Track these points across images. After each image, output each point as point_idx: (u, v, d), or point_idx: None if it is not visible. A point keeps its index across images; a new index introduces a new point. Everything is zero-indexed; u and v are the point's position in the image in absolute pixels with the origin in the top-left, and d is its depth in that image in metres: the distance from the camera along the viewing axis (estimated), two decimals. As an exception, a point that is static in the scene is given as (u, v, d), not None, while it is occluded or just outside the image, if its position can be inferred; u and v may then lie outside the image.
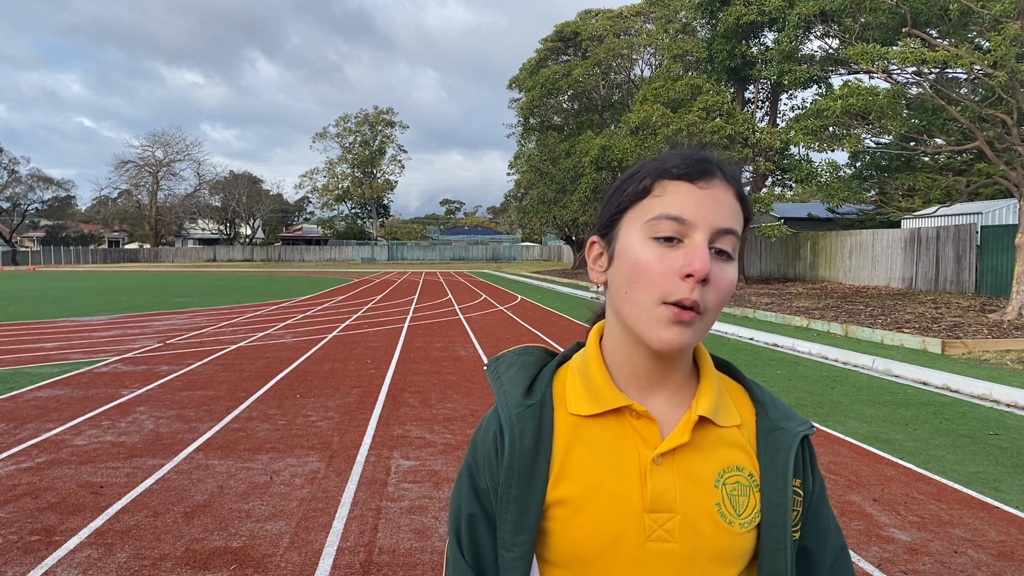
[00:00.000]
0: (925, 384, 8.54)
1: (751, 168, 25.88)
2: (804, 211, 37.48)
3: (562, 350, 1.06)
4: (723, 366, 1.02)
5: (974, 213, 22.12)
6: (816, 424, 6.57)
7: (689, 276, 0.83)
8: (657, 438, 0.91)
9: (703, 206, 0.86)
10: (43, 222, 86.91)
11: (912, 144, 16.37)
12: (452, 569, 0.98)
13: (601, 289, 0.98)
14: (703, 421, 0.92)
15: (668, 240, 0.86)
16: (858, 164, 18.73)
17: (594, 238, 0.97)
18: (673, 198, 0.87)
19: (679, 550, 0.88)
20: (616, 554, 0.88)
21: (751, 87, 27.99)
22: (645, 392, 0.94)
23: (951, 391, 8.13)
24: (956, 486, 4.92)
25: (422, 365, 9.96)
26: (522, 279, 38.14)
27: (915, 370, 9.01)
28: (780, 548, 0.91)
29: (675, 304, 0.84)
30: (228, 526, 4.21)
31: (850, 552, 3.81)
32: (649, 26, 35.91)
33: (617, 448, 0.91)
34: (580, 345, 1.04)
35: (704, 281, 0.84)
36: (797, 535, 0.95)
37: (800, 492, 0.95)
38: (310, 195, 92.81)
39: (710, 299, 0.85)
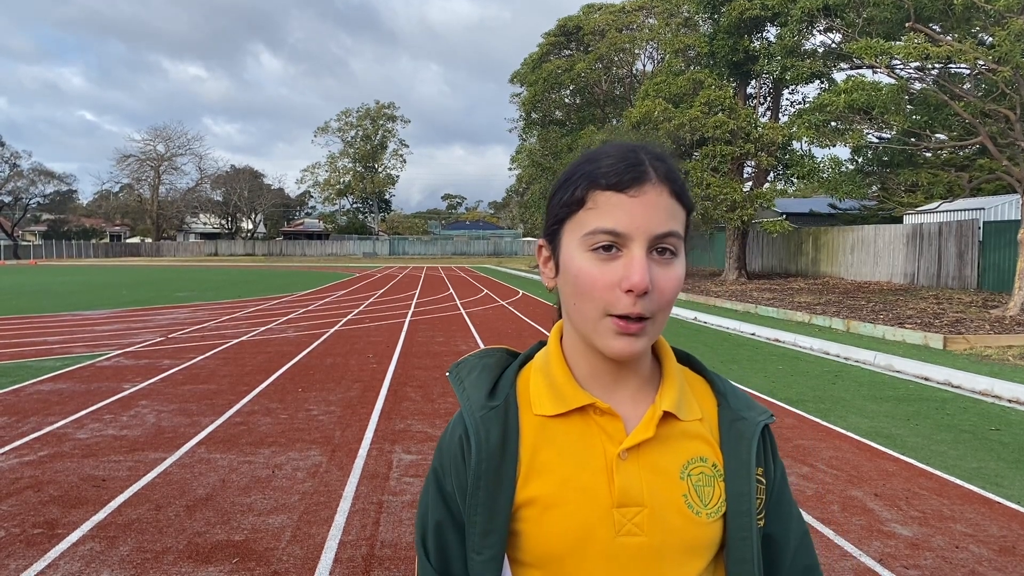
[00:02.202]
0: (927, 380, 8.54)
1: (753, 163, 25.84)
2: (806, 207, 37.44)
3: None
4: (684, 358, 1.03)
5: (976, 209, 22.08)
6: (817, 419, 6.57)
7: (629, 291, 0.84)
8: (622, 434, 0.92)
9: (636, 216, 0.85)
10: (45, 216, 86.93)
11: (914, 140, 16.33)
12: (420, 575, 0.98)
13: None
14: (667, 416, 0.93)
15: (608, 249, 0.86)
16: (860, 159, 18.67)
17: (541, 242, 0.98)
18: (605, 211, 0.86)
19: (649, 543, 0.89)
20: (587, 550, 0.89)
21: (753, 82, 27.90)
22: (608, 389, 0.94)
23: (953, 387, 8.13)
24: (958, 481, 4.92)
25: (424, 360, 9.97)
26: (523, 274, 38.15)
27: (917, 365, 9.01)
28: (746, 536, 0.92)
29: (620, 317, 0.85)
30: (230, 520, 4.22)
31: (846, 546, 3.83)
32: (651, 21, 35.79)
33: (583, 446, 0.92)
34: (542, 344, 1.03)
35: (646, 292, 0.84)
36: (762, 523, 0.96)
37: (763, 480, 0.96)
38: (311, 189, 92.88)
39: (655, 305, 0.86)
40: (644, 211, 0.86)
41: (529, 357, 1.02)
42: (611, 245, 0.86)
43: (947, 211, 22.01)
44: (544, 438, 0.93)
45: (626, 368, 0.94)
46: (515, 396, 0.96)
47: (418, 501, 1.02)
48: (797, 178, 23.58)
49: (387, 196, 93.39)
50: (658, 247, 0.87)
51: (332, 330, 13.34)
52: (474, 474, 0.91)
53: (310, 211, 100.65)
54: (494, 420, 0.93)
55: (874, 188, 19.89)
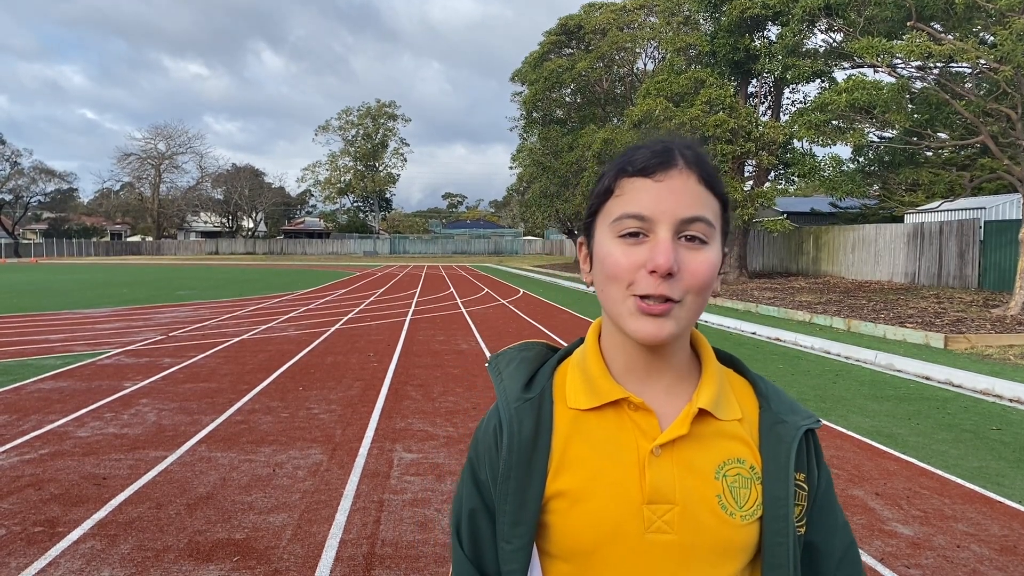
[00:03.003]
0: (928, 379, 8.53)
1: (754, 162, 25.81)
2: (807, 206, 37.43)
3: (564, 344, 1.07)
4: (727, 360, 1.02)
5: (977, 208, 22.06)
6: (819, 418, 6.56)
7: (653, 272, 0.85)
8: (656, 430, 0.91)
9: (662, 200, 0.86)
10: (45, 215, 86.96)
11: (916, 139, 16.31)
12: (454, 563, 1.00)
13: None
14: (703, 414, 0.92)
15: (634, 235, 0.87)
16: (861, 159, 18.66)
17: (580, 239, 1.00)
18: (631, 196, 0.88)
19: (679, 541, 0.88)
20: (616, 545, 0.89)
21: (754, 81, 27.86)
22: (643, 384, 0.94)
23: (954, 386, 8.12)
24: (959, 481, 4.92)
25: (424, 358, 9.97)
26: (524, 273, 38.14)
27: (918, 365, 9.00)
28: (782, 542, 0.90)
29: (642, 297, 0.86)
30: (231, 518, 4.22)
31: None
32: (652, 19, 35.76)
33: (616, 440, 0.92)
34: (582, 341, 1.05)
35: (670, 274, 0.84)
36: (802, 530, 0.94)
37: (804, 486, 0.94)
38: (312, 188, 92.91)
39: (682, 288, 0.86)
40: (669, 195, 0.87)
41: (568, 352, 1.03)
42: (638, 231, 0.87)
43: (948, 210, 21.99)
44: (577, 431, 0.94)
45: (661, 360, 0.93)
46: (551, 389, 0.97)
47: (455, 490, 1.03)
48: (798, 177, 23.56)
49: (388, 195, 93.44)
50: (686, 233, 0.87)
51: (333, 329, 13.34)
52: (505, 464, 0.93)
53: (311, 210, 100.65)
54: (528, 412, 0.94)
55: (875, 187, 19.85)
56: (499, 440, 0.95)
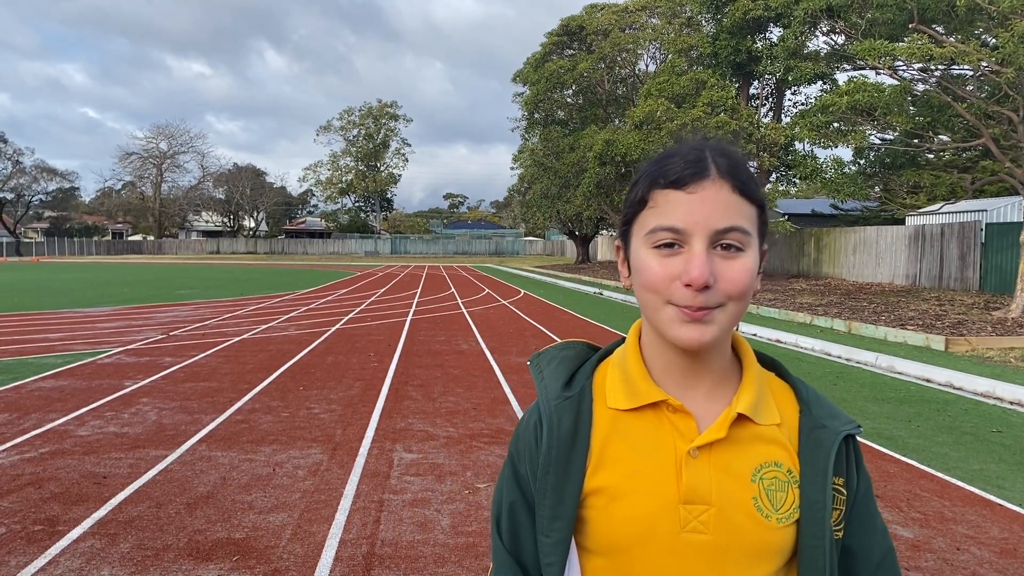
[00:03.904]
0: (928, 381, 8.52)
1: (755, 164, 25.80)
2: (808, 207, 37.41)
3: (601, 346, 1.08)
4: (769, 364, 1.03)
5: (979, 210, 22.05)
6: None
7: (688, 285, 0.86)
8: (694, 432, 0.92)
9: (695, 212, 0.87)
10: (47, 213, 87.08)
11: (917, 141, 16.30)
12: (494, 555, 1.03)
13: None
14: (741, 418, 0.93)
15: (670, 246, 0.88)
16: (863, 161, 18.65)
17: (618, 242, 1.02)
18: (665, 208, 0.88)
19: (714, 542, 0.89)
20: (651, 543, 0.90)
21: (756, 83, 27.88)
22: (682, 387, 0.95)
23: (954, 388, 8.12)
24: (959, 483, 4.91)
25: (425, 359, 9.97)
26: (525, 273, 38.13)
27: (918, 367, 9.00)
28: (819, 545, 0.91)
29: (683, 307, 0.87)
30: (231, 517, 4.22)
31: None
32: (654, 20, 35.78)
33: (654, 441, 0.93)
34: (622, 340, 1.06)
35: (707, 287, 0.85)
36: (840, 534, 0.95)
37: (843, 491, 0.95)
38: (313, 188, 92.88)
39: (720, 296, 0.86)
40: (702, 207, 0.87)
41: (608, 352, 1.04)
42: (672, 243, 0.88)
43: (949, 213, 21.98)
44: (616, 431, 0.95)
45: (700, 364, 0.94)
46: (591, 388, 0.99)
47: (494, 486, 1.06)
48: (799, 179, 23.57)
49: (389, 195, 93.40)
50: (722, 243, 0.87)
51: (333, 328, 13.34)
52: (544, 459, 0.95)
53: (312, 210, 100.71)
54: (567, 410, 0.96)
55: (876, 189, 19.85)
56: (539, 436, 0.97)
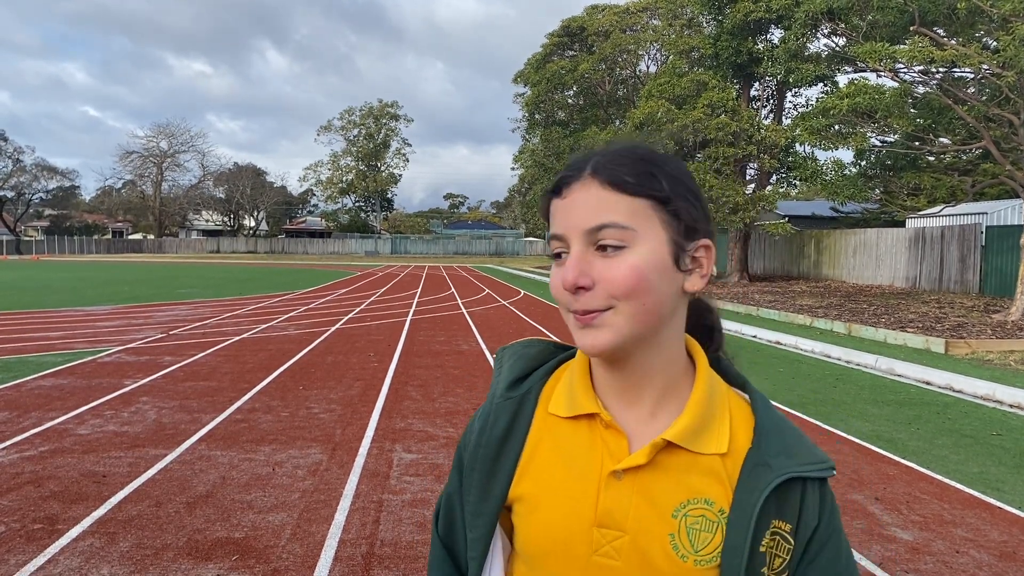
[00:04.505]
0: (928, 384, 8.53)
1: (756, 166, 25.82)
2: (808, 209, 37.37)
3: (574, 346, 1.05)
4: (741, 384, 0.96)
5: (979, 213, 22.04)
6: (819, 423, 6.56)
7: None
8: (624, 452, 0.87)
9: (568, 216, 0.85)
10: (47, 212, 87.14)
11: (918, 143, 16.31)
12: (431, 544, 1.03)
13: None
14: (672, 446, 0.86)
15: (558, 256, 0.87)
16: (863, 163, 18.66)
17: None
18: (554, 218, 0.88)
19: (625, 570, 0.85)
20: (566, 560, 0.87)
21: (757, 84, 27.90)
22: (623, 402, 0.90)
23: (954, 391, 8.12)
24: (958, 486, 4.91)
25: (425, 359, 9.97)
26: (525, 274, 38.12)
27: (918, 369, 9.00)
28: None
29: (575, 312, 0.85)
30: (230, 517, 4.22)
31: (852, 552, 3.82)
32: (655, 22, 35.81)
33: (583, 455, 0.89)
34: None
35: (584, 288, 0.83)
36: None
37: (789, 539, 0.85)
38: (314, 188, 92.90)
39: (604, 297, 0.82)
40: (572, 210, 0.85)
41: (573, 355, 1.00)
42: (560, 252, 0.87)
43: (950, 215, 21.97)
44: (549, 438, 0.92)
45: (630, 377, 0.89)
46: (538, 392, 0.96)
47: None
48: (800, 180, 23.58)
49: (389, 195, 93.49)
50: (598, 243, 0.83)
51: (333, 328, 13.35)
52: (471, 456, 0.95)
53: (312, 209, 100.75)
54: (505, 411, 0.95)
55: (876, 191, 19.86)
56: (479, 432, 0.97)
